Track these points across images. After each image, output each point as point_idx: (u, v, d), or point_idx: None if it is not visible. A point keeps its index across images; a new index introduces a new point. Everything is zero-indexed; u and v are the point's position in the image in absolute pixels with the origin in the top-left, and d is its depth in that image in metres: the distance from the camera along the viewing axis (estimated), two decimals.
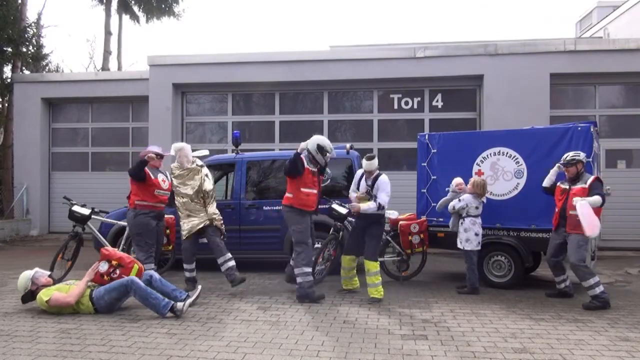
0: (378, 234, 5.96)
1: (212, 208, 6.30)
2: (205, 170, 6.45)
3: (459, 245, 6.35)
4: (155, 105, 11.95)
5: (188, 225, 6.20)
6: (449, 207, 6.46)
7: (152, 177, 6.19)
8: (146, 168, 6.17)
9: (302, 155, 5.85)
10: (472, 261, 6.24)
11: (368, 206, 5.77)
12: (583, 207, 5.32)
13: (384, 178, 5.90)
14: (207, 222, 6.20)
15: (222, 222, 6.37)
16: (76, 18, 46.52)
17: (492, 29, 53.13)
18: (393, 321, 4.91)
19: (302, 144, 5.86)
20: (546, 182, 6.09)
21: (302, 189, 5.81)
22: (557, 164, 6.01)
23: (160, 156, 6.37)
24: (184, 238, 6.21)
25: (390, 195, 5.85)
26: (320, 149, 5.87)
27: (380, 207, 5.73)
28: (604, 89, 11.11)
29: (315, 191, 5.88)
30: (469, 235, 6.26)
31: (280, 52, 12.20)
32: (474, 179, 6.52)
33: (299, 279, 5.70)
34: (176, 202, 6.33)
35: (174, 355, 3.93)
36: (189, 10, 52.59)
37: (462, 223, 6.34)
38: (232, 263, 6.14)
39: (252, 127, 12.41)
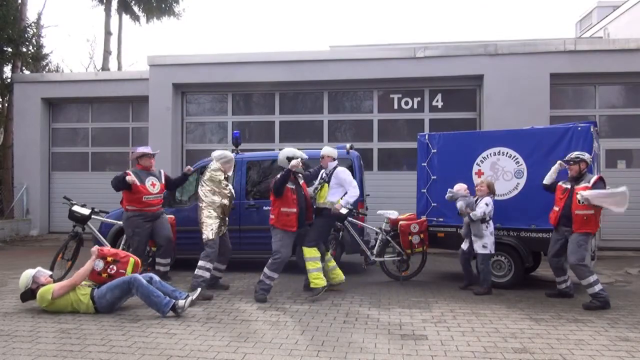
0: (319, 224, 6.10)
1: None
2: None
3: (484, 250, 6.22)
4: (155, 105, 11.95)
5: (215, 226, 6.00)
6: (477, 215, 6.18)
7: (138, 183, 6.25)
8: (131, 173, 6.30)
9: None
10: (489, 263, 6.29)
11: (346, 202, 6.01)
12: (595, 198, 5.33)
13: (341, 169, 6.14)
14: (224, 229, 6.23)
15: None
16: (76, 18, 46.53)
17: (492, 29, 53.17)
18: (393, 321, 4.91)
19: (293, 162, 5.84)
20: (547, 180, 6.08)
21: (282, 209, 5.82)
22: (559, 162, 6.00)
23: (151, 155, 6.52)
24: (211, 238, 5.94)
25: (354, 183, 6.11)
26: (290, 159, 5.93)
27: (348, 203, 6.02)
28: (604, 89, 11.10)
29: (294, 210, 5.82)
30: (493, 238, 6.30)
31: (280, 52, 12.20)
32: (488, 180, 6.51)
33: (262, 277, 5.82)
34: (211, 201, 6.02)
35: (174, 355, 3.93)
36: (189, 10, 52.62)
37: (487, 227, 6.27)
38: (221, 274, 6.36)
39: (252, 127, 12.41)
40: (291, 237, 5.90)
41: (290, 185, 5.85)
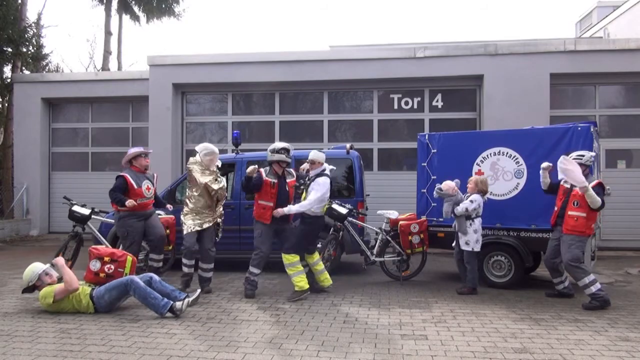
0: (298, 230, 6.03)
1: (220, 209, 6.40)
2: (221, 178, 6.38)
3: (467, 247, 6.19)
4: (155, 105, 11.95)
5: (190, 223, 6.12)
6: (458, 210, 6.18)
7: (135, 187, 6.31)
8: (129, 178, 6.28)
9: (261, 170, 5.95)
10: (475, 261, 6.23)
11: (289, 209, 5.86)
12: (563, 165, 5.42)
13: (321, 180, 5.94)
14: (213, 222, 6.20)
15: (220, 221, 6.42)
16: (76, 18, 46.52)
17: (492, 29, 53.14)
18: (393, 321, 4.91)
19: (250, 168, 5.83)
20: (543, 185, 6.05)
21: (259, 202, 5.92)
22: (542, 165, 5.94)
23: (144, 155, 6.52)
24: (187, 232, 6.08)
25: (321, 199, 5.88)
26: (273, 150, 5.91)
27: (304, 206, 5.88)
28: (604, 89, 11.10)
29: (271, 204, 5.86)
30: (478, 236, 6.22)
31: (280, 52, 12.19)
32: (479, 178, 6.46)
33: (247, 274, 5.93)
34: (188, 197, 6.17)
35: (174, 355, 3.93)
36: (189, 10, 52.43)
37: (471, 224, 6.21)
38: (210, 275, 6.25)
39: (252, 127, 12.41)
40: (269, 231, 5.95)
41: (271, 179, 5.88)
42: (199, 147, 6.24)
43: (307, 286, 5.87)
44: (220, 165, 6.38)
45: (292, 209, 5.87)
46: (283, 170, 6.01)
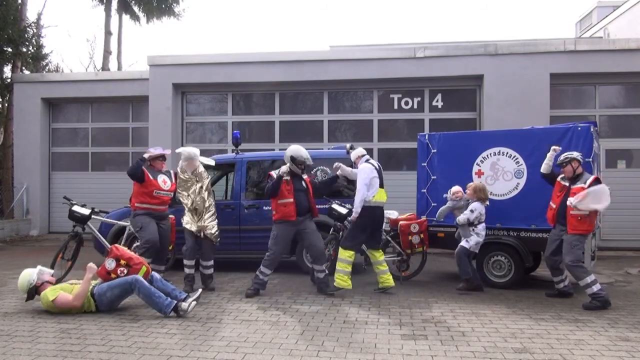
0: (352, 223, 6.10)
1: (205, 220, 6.33)
2: (205, 182, 6.45)
3: (465, 244, 6.27)
4: (155, 105, 11.95)
5: (186, 224, 6.37)
6: (459, 219, 6.32)
7: (151, 177, 6.32)
8: (145, 169, 6.32)
9: (271, 173, 6.12)
10: (465, 258, 6.27)
11: (356, 211, 6.01)
12: (580, 203, 5.38)
13: (359, 167, 6.13)
14: (198, 232, 6.28)
15: (213, 232, 6.33)
16: (76, 18, 46.53)
17: (492, 29, 53.12)
18: (393, 321, 4.91)
19: (282, 168, 6.05)
20: (544, 168, 6.04)
21: (279, 202, 5.98)
22: (552, 147, 5.97)
23: (162, 157, 6.54)
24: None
25: (366, 182, 5.95)
26: (293, 159, 6.03)
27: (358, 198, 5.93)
28: (604, 89, 11.10)
29: (291, 200, 5.97)
30: (479, 239, 6.29)
31: (280, 52, 12.19)
32: (475, 184, 6.49)
33: (257, 272, 6.00)
34: (184, 204, 6.46)
35: (174, 355, 3.93)
36: (189, 10, 52.42)
37: (473, 230, 6.28)
38: (211, 271, 6.36)
39: (252, 127, 12.41)
40: (289, 231, 6.01)
41: (285, 177, 6.00)
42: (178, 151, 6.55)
43: (349, 286, 5.97)
44: (200, 167, 6.46)
45: (357, 210, 5.96)
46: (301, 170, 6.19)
